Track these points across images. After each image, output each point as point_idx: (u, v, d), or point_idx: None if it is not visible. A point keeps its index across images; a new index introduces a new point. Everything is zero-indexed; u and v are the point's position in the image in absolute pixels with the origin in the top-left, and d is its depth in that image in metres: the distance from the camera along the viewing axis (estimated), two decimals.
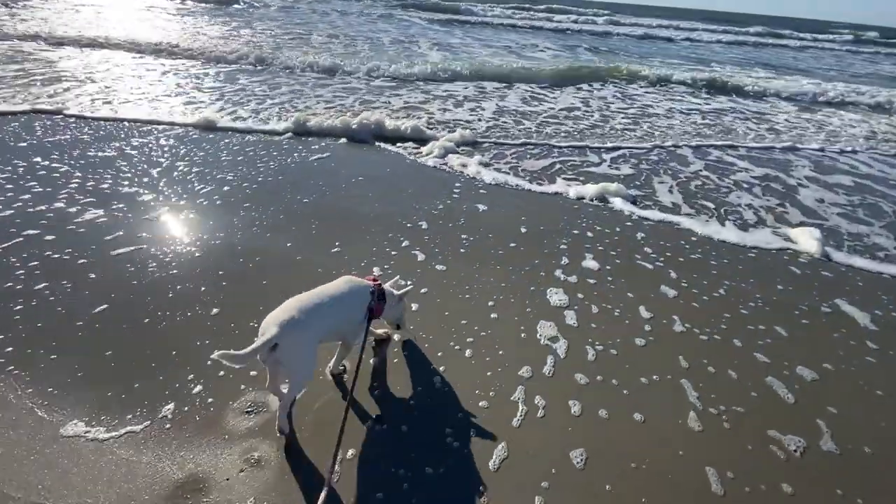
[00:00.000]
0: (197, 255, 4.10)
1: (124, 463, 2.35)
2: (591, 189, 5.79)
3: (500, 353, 3.22)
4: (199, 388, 2.77)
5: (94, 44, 12.34)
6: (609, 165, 7.11)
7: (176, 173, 5.74)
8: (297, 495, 2.24)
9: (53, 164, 5.73)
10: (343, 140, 7.30)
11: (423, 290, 3.82)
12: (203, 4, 24.99)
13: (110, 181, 5.37)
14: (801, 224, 5.60)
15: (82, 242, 4.16)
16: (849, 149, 8.85)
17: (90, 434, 2.49)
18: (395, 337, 3.29)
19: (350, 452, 2.45)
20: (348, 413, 2.29)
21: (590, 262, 4.44)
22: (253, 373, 2.88)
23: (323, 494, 1.95)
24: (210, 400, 2.70)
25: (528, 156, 7.25)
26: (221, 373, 2.88)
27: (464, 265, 4.24)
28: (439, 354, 3.18)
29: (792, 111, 11.86)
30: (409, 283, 3.74)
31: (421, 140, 7.31)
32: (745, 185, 6.77)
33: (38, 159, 5.86)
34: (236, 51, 12.23)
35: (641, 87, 13.04)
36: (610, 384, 3.03)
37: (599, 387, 3.01)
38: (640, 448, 2.61)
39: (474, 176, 6.25)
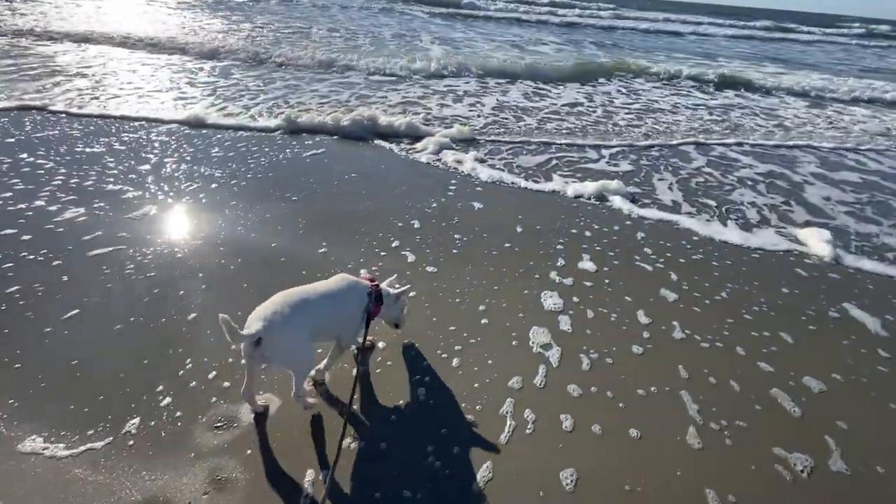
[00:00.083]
0: (177, 256, 3.94)
1: (81, 483, 2.19)
2: (589, 187, 5.60)
3: (490, 362, 3.05)
4: (167, 400, 2.61)
5: (90, 39, 12.17)
6: (608, 162, 6.90)
7: (164, 170, 5.58)
8: None
9: (39, 161, 5.59)
10: (337, 136, 7.12)
11: (411, 294, 3.65)
12: None
13: (94, 178, 5.21)
14: (807, 224, 5.40)
15: (59, 243, 4.01)
16: (865, 147, 8.53)
17: (48, 451, 2.34)
18: (380, 344, 3.13)
19: (323, 473, 2.29)
20: (345, 430, 2.15)
21: (587, 264, 4.27)
22: (226, 384, 2.73)
23: None
24: (178, 414, 2.54)
25: (526, 152, 7.06)
26: (193, 383, 2.73)
27: (456, 267, 4.07)
28: (425, 364, 3.01)
29: (801, 107, 11.59)
30: (402, 280, 3.55)
31: (416, 137, 7.11)
32: (750, 183, 6.56)
33: (24, 155, 5.72)
34: (233, 45, 12.05)
35: (648, 81, 12.77)
36: (604, 396, 2.86)
37: (593, 399, 2.84)
38: (634, 468, 2.44)
39: (470, 173, 6.07)
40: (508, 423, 2.63)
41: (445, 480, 2.30)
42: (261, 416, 2.54)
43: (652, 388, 2.94)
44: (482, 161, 6.44)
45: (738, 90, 12.77)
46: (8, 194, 4.72)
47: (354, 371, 2.91)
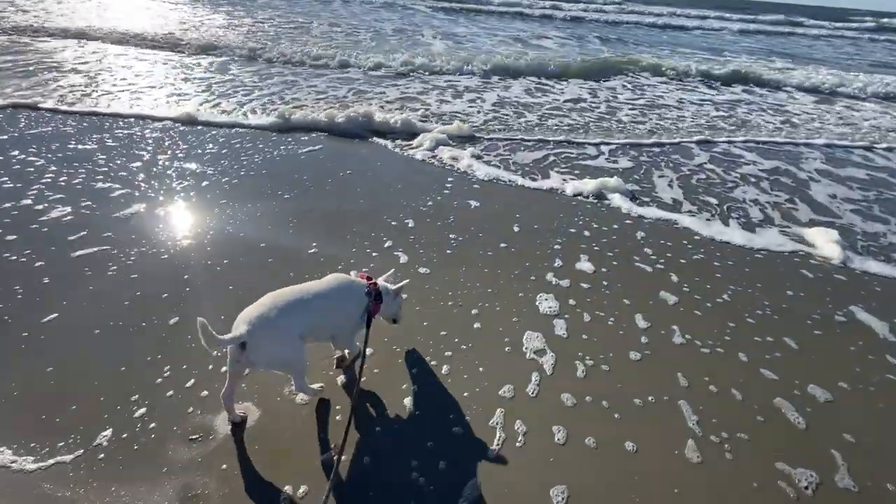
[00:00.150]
0: (163, 256, 3.84)
1: (47, 499, 2.10)
2: (589, 185, 5.45)
3: (481, 369, 2.94)
4: (142, 410, 2.51)
5: (90, 35, 12.05)
6: (607, 158, 6.72)
7: (155, 168, 5.48)
8: None
9: (30, 158, 5.49)
10: (332, 133, 6.98)
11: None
12: None
13: (84, 176, 5.11)
14: (812, 222, 5.24)
15: (43, 243, 3.92)
16: (882, 145, 8.28)
17: (16, 464, 2.24)
18: (368, 351, 3.01)
19: (302, 489, 2.18)
20: (345, 443, 2.05)
21: (584, 265, 4.14)
22: (204, 392, 2.62)
23: None
24: (152, 425, 2.43)
25: (524, 148, 6.90)
26: (170, 392, 2.62)
27: (449, 268, 3.95)
28: (414, 371, 2.90)
29: (809, 102, 11.35)
30: (397, 273, 3.43)
31: (412, 134, 6.96)
32: (753, 180, 6.38)
33: (16, 153, 5.63)
34: (232, 41, 11.92)
35: (654, 76, 12.54)
36: (599, 406, 2.74)
37: (588, 409, 2.72)
38: (630, 484, 2.32)
39: (467, 170, 5.93)
40: (498, 435, 2.51)
41: (430, 498, 2.19)
42: (238, 426, 2.43)
43: (649, 398, 2.81)
44: (480, 158, 6.30)
45: (745, 85, 12.52)
46: None
47: (341, 379, 2.81)
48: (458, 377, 2.86)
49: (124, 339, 2.98)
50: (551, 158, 6.58)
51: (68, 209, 4.44)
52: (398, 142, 6.74)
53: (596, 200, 5.35)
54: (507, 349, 3.12)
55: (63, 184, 4.92)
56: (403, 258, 4.04)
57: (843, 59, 19.95)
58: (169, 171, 5.40)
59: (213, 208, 4.64)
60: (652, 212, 5.15)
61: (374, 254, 4.09)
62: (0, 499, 2.09)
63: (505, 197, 5.36)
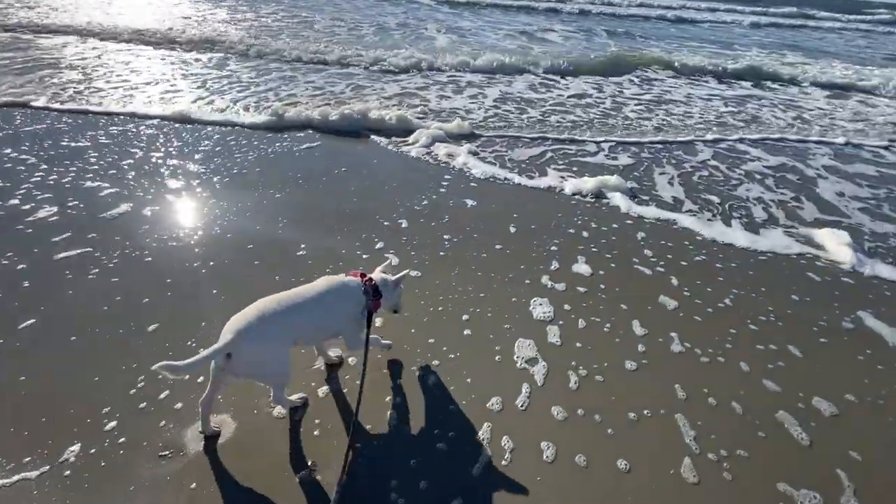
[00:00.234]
0: (146, 259, 3.74)
1: None
2: (588, 183, 5.28)
3: (469, 380, 2.82)
4: (112, 424, 2.41)
5: (90, 32, 11.95)
6: (606, 155, 6.51)
7: (146, 167, 5.38)
8: None
9: (22, 156, 5.43)
10: (328, 130, 6.84)
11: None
12: None
13: (74, 175, 5.03)
14: (816, 221, 5.05)
15: (26, 245, 3.83)
16: None
17: None
18: (350, 360, 2.90)
19: None
20: (348, 456, 1.95)
21: (581, 267, 4.00)
22: (178, 405, 2.52)
23: None
24: (122, 440, 2.34)
25: (523, 145, 6.71)
26: (143, 404, 2.53)
27: (441, 271, 3.83)
28: (399, 381, 2.78)
29: (822, 97, 11.04)
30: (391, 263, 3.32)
31: (409, 131, 6.79)
32: (758, 177, 6.15)
33: (8, 150, 5.57)
34: (232, 36, 11.80)
35: (661, 70, 12.25)
36: (592, 421, 2.61)
37: (579, 424, 2.59)
38: None
39: (465, 168, 5.78)
40: (484, 451, 2.39)
41: None
42: (210, 440, 2.33)
43: (645, 411, 2.68)
44: (477, 155, 6.15)
45: (755, 80, 12.21)
46: None
47: (324, 389, 2.70)
48: (444, 389, 2.74)
49: (100, 347, 2.88)
50: (549, 155, 6.40)
51: (55, 209, 4.36)
52: (394, 139, 6.59)
53: (596, 200, 5.19)
54: (497, 358, 3.00)
55: (52, 183, 4.84)
56: (395, 261, 3.91)
57: (856, 53, 19.53)
58: (161, 170, 5.30)
59: (202, 208, 4.55)
60: (653, 211, 4.98)
61: (364, 256, 3.97)
62: None
63: (502, 195, 5.22)
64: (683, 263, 4.15)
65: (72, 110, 6.92)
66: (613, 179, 5.29)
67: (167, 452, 2.28)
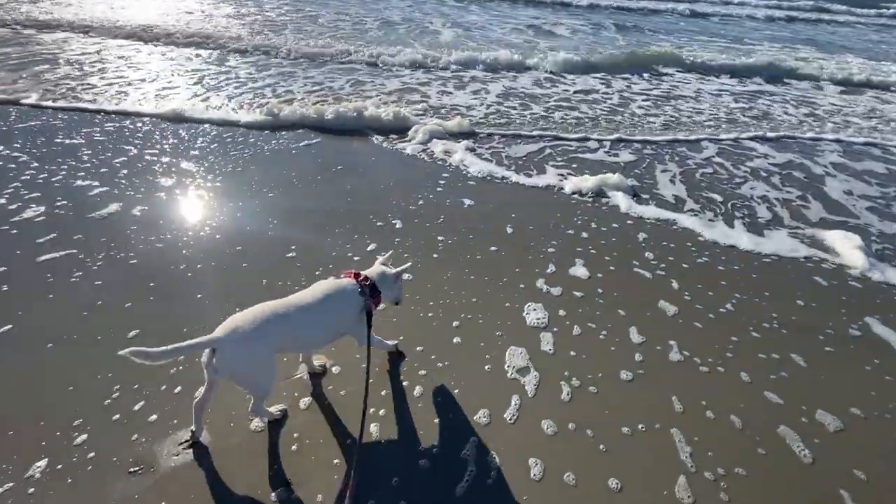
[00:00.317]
0: (131, 261, 3.66)
1: None
2: (588, 181, 5.13)
3: (456, 391, 2.71)
4: (83, 437, 2.33)
5: (91, 28, 11.88)
6: (607, 151, 6.34)
7: (140, 164, 5.30)
8: None
9: (14, 154, 5.37)
10: (325, 128, 6.71)
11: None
12: None
13: (65, 173, 4.95)
14: (822, 221, 4.88)
15: (10, 246, 3.76)
16: None
17: None
18: (334, 370, 2.80)
19: None
20: (355, 470, 1.83)
21: (579, 270, 3.87)
22: (152, 417, 2.43)
23: None
24: (91, 455, 2.25)
25: (521, 141, 6.55)
26: (116, 416, 2.44)
27: (434, 275, 3.72)
28: (382, 393, 2.68)
29: (835, 93, 10.75)
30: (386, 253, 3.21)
31: (406, 128, 6.64)
32: (763, 175, 5.96)
33: (0, 148, 5.49)
34: (234, 32, 11.68)
35: (670, 65, 11.97)
36: (583, 435, 2.50)
37: (570, 439, 2.48)
38: None
39: (462, 166, 5.65)
40: (468, 469, 2.29)
41: None
42: (192, 446, 2.24)
43: (639, 426, 2.57)
44: (475, 153, 6.01)
45: (766, 75, 11.92)
46: None
47: (305, 401, 2.60)
48: (430, 402, 2.64)
49: (76, 355, 2.80)
50: (548, 151, 6.24)
51: (42, 209, 4.28)
52: (392, 137, 6.46)
53: (595, 199, 5.04)
54: (487, 367, 2.89)
55: (41, 181, 4.77)
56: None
57: (871, 47, 19.11)
58: (153, 168, 5.22)
59: (192, 208, 4.46)
60: (654, 211, 4.83)
61: (355, 258, 3.87)
62: None
63: (500, 194, 5.09)
64: (685, 266, 4.02)
65: (67, 108, 6.83)
66: (615, 178, 5.15)
67: (138, 468, 2.19)
